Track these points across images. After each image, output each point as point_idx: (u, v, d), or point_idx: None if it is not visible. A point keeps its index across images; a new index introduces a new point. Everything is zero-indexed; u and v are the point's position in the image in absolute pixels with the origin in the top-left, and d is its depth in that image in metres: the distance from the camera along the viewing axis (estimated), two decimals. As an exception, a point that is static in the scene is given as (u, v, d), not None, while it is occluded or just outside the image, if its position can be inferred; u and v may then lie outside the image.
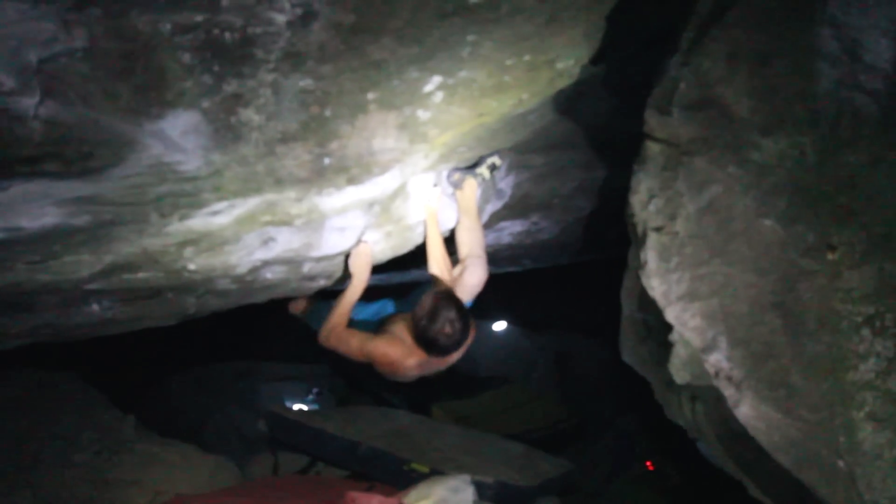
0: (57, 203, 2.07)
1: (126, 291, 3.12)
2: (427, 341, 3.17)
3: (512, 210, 4.48)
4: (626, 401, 6.43)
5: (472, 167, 3.60)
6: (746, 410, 2.06)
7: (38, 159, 1.82)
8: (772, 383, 2.03)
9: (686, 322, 2.17)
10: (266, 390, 6.02)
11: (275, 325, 6.78)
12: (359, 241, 3.47)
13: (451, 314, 3.11)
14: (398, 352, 3.33)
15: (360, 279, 3.52)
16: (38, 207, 2.05)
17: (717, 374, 2.14)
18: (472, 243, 3.59)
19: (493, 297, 7.93)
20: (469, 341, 3.32)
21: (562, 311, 8.36)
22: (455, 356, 3.40)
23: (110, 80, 1.78)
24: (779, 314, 2.05)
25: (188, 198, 2.36)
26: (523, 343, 8.24)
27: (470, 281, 3.54)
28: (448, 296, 3.21)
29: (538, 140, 3.65)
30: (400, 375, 3.42)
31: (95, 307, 3.24)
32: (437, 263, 3.57)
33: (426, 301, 3.17)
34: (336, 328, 3.50)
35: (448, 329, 3.10)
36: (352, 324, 3.92)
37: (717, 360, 2.13)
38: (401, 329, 3.41)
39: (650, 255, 2.25)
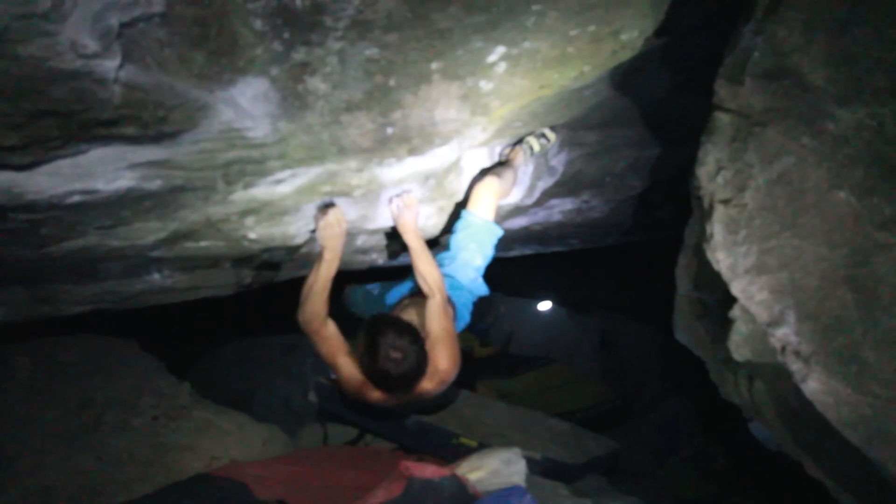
0: (131, 167, 2.12)
1: (186, 260, 3.19)
2: (377, 378, 2.80)
3: (563, 187, 4.46)
4: (672, 383, 6.40)
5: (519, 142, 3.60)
6: (814, 385, 2.02)
7: (116, 122, 1.87)
8: (842, 358, 1.99)
9: (753, 295, 2.14)
10: (313, 364, 6.06)
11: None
12: (328, 206, 3.02)
13: (390, 339, 2.73)
14: (359, 382, 2.94)
15: (333, 253, 3.01)
16: (113, 171, 2.11)
17: (783, 348, 2.10)
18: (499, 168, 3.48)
19: (538, 277, 7.98)
20: (435, 374, 2.89)
21: (607, 293, 8.31)
22: (428, 385, 2.94)
23: (185, 45, 1.82)
24: (851, 288, 2.01)
25: (254, 165, 2.40)
26: (568, 323, 8.19)
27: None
28: (384, 320, 2.85)
29: (592, 117, 3.61)
30: (372, 403, 3.02)
31: (156, 275, 3.33)
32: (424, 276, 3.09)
33: (361, 332, 2.83)
34: (312, 318, 2.99)
35: (395, 354, 2.72)
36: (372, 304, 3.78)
37: (784, 334, 2.09)
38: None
39: (716, 228, 2.21)
